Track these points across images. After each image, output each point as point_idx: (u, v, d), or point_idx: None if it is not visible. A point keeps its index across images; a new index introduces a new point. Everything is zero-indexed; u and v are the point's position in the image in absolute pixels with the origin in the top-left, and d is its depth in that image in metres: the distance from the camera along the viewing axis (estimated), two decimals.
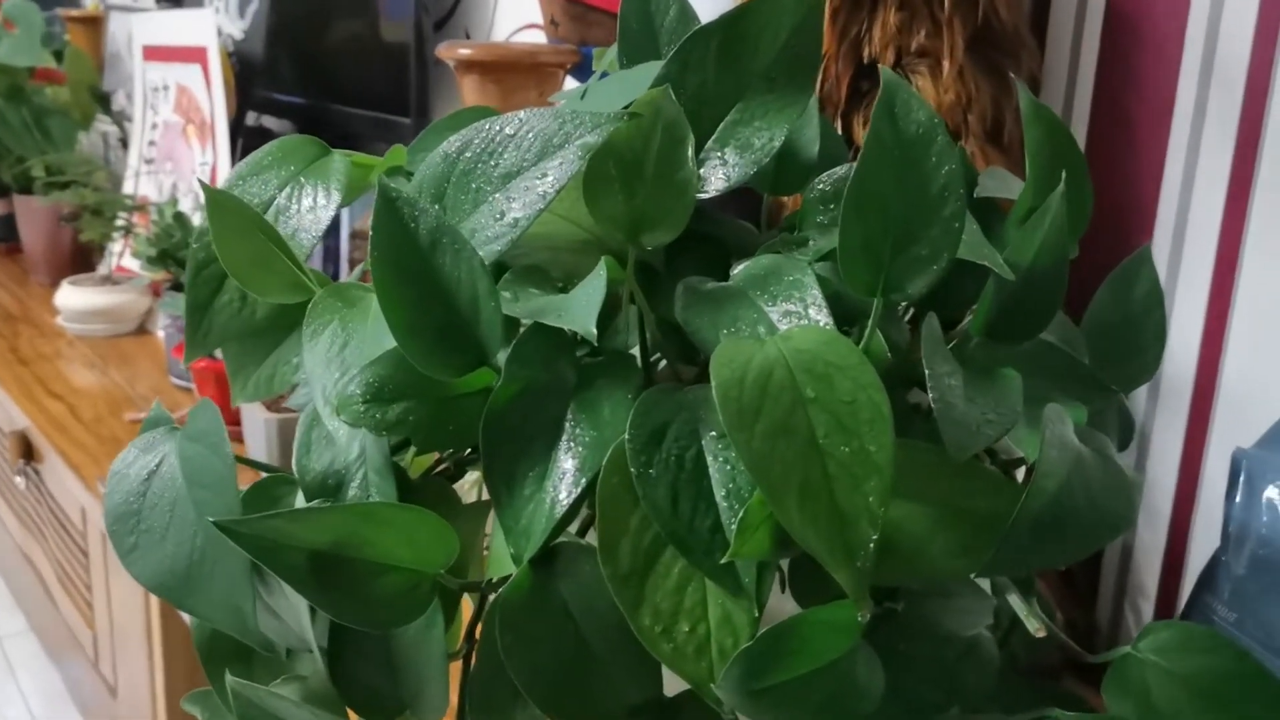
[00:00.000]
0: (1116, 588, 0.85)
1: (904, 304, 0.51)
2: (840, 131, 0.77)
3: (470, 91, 1.05)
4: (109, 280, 1.74)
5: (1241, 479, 0.63)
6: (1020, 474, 0.51)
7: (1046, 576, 0.82)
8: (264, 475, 0.48)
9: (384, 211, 0.41)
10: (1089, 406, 0.50)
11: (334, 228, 1.33)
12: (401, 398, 0.42)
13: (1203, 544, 0.80)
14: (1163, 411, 0.80)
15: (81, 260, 1.93)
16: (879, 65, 0.74)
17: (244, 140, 1.79)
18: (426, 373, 0.41)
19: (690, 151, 0.45)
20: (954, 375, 0.42)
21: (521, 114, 0.45)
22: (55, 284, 1.76)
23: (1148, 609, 0.83)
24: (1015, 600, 0.43)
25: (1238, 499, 0.64)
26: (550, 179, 0.43)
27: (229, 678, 0.41)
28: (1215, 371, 0.77)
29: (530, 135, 0.45)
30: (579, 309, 0.40)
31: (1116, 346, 0.57)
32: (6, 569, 1.91)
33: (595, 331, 0.39)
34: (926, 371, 0.40)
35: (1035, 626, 0.41)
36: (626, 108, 0.47)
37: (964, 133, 0.75)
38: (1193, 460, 0.79)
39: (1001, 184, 0.53)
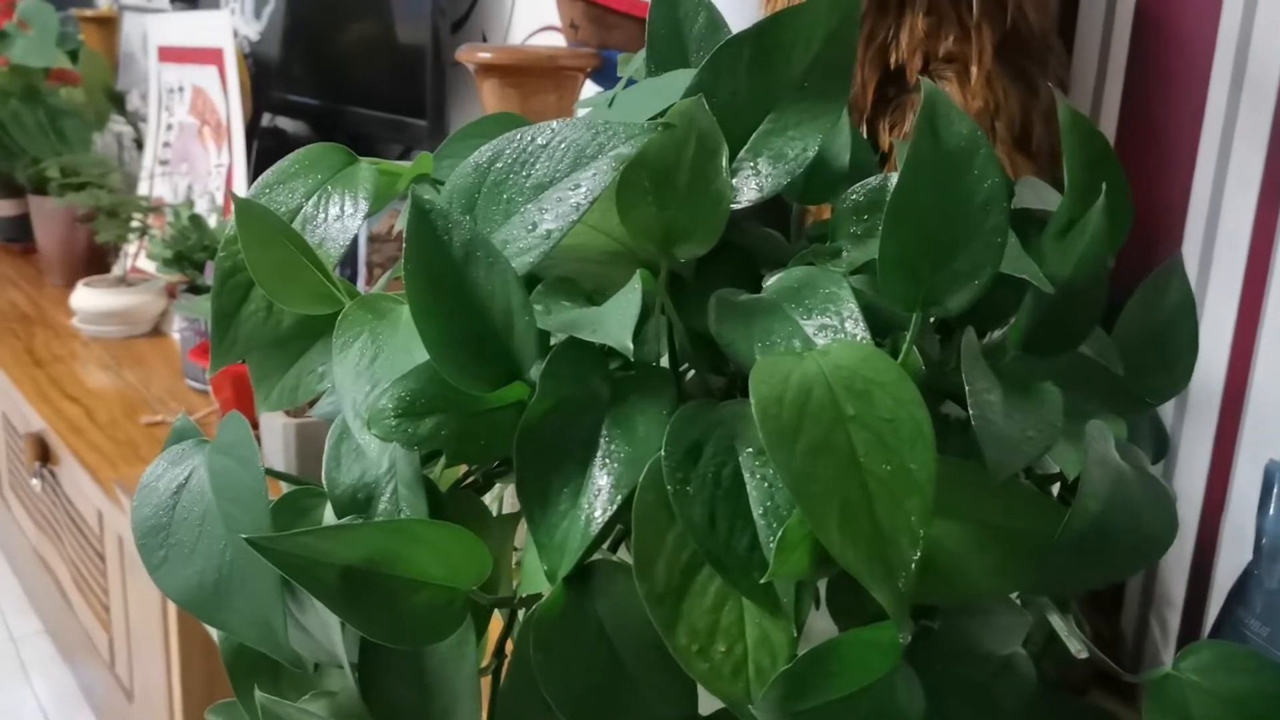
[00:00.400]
0: (1142, 599, 0.84)
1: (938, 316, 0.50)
2: (865, 137, 0.76)
3: (490, 95, 1.04)
4: (124, 282, 1.74)
5: (1275, 492, 0.63)
6: (1055, 489, 0.51)
7: None
8: (289, 487, 0.47)
9: (417, 224, 0.40)
10: (1125, 420, 0.49)
11: None
12: (433, 411, 0.41)
13: (1230, 556, 0.79)
14: (1191, 422, 0.79)
15: (96, 261, 1.93)
16: (913, 73, 0.74)
17: (259, 142, 1.79)
18: (459, 387, 0.41)
19: (724, 163, 0.45)
20: (993, 391, 0.41)
21: (554, 124, 0.45)
22: (70, 285, 1.77)
23: (1174, 621, 0.83)
24: (1055, 619, 0.42)
25: (1271, 512, 0.63)
26: (583, 190, 0.43)
27: (258, 693, 0.41)
28: (1245, 382, 0.76)
29: (562, 146, 0.44)
30: (614, 323, 0.39)
31: (1148, 357, 0.57)
32: (22, 571, 1.91)
33: (631, 347, 0.38)
34: (967, 388, 0.39)
35: (1077, 648, 0.40)
36: (657, 116, 0.46)
37: (991, 139, 0.75)
38: (1221, 471, 0.78)
39: (1036, 195, 0.52)
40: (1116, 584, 0.86)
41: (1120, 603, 0.86)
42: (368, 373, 0.43)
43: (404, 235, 0.40)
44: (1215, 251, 0.77)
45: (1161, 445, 0.56)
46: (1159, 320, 0.57)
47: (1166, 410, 0.80)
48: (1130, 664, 0.85)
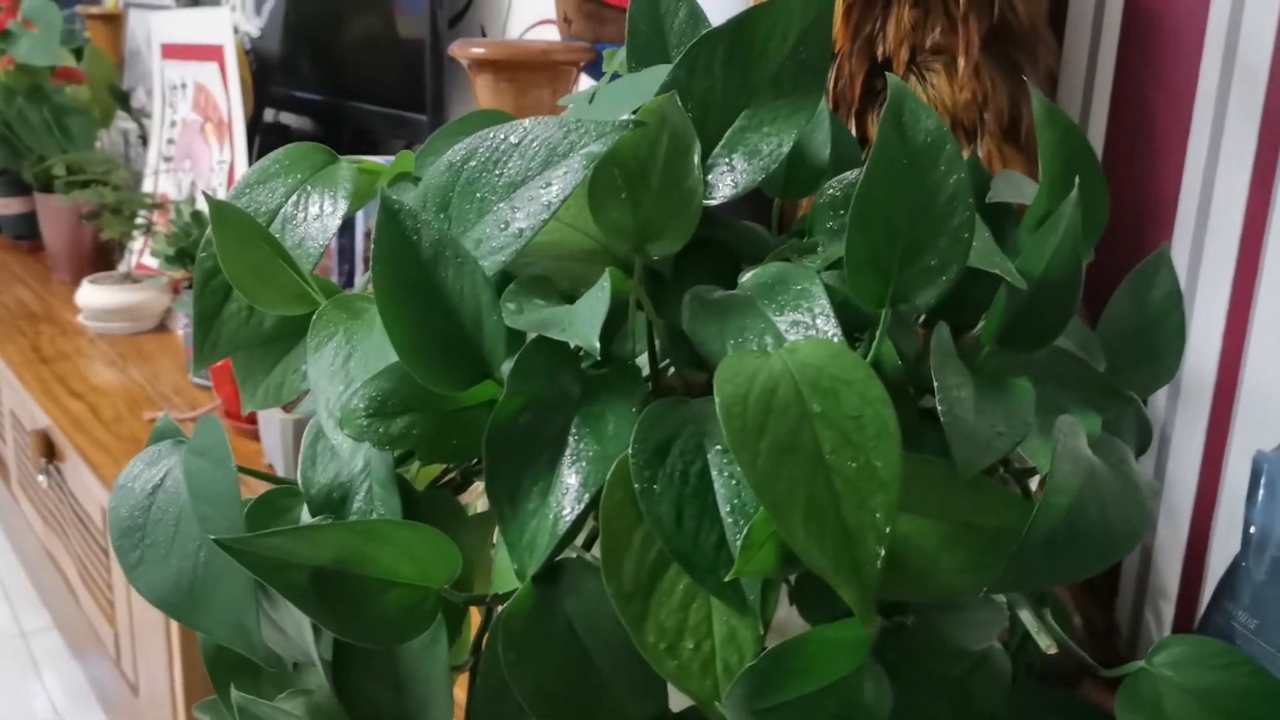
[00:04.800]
0: (1137, 589, 0.84)
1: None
2: (854, 131, 0.76)
3: (483, 90, 1.04)
4: (129, 278, 1.74)
5: (1263, 483, 0.62)
6: (1034, 483, 0.51)
7: None
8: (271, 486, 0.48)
9: (385, 224, 0.40)
10: (1105, 413, 0.49)
11: (349, 227, 1.33)
12: (405, 411, 0.42)
13: (1224, 545, 0.79)
14: (1183, 413, 0.79)
15: (102, 258, 1.94)
16: (901, 65, 0.74)
17: (261, 138, 1.80)
18: (430, 386, 0.41)
19: (697, 160, 0.45)
20: (964, 387, 0.41)
21: (526, 123, 0.45)
22: (76, 282, 1.77)
23: (1168, 610, 0.83)
24: (1026, 615, 0.42)
25: (1259, 503, 0.63)
26: (555, 189, 0.43)
27: (234, 693, 0.41)
28: (1236, 373, 0.76)
29: (535, 144, 0.44)
30: (582, 322, 0.40)
31: (1135, 349, 0.56)
32: (31, 567, 1.92)
33: (598, 346, 0.38)
34: (936, 384, 0.39)
35: (1046, 644, 0.40)
36: (634, 112, 0.46)
37: (980, 131, 0.74)
38: (1213, 462, 0.78)
39: (1014, 188, 0.52)
40: (1111, 574, 0.86)
41: (1115, 593, 0.86)
42: (341, 372, 0.43)
43: (371, 235, 0.40)
44: (1206, 241, 0.76)
45: (1145, 436, 0.56)
46: (1147, 311, 0.57)
47: (1159, 400, 0.80)
48: (1126, 654, 0.85)
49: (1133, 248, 0.80)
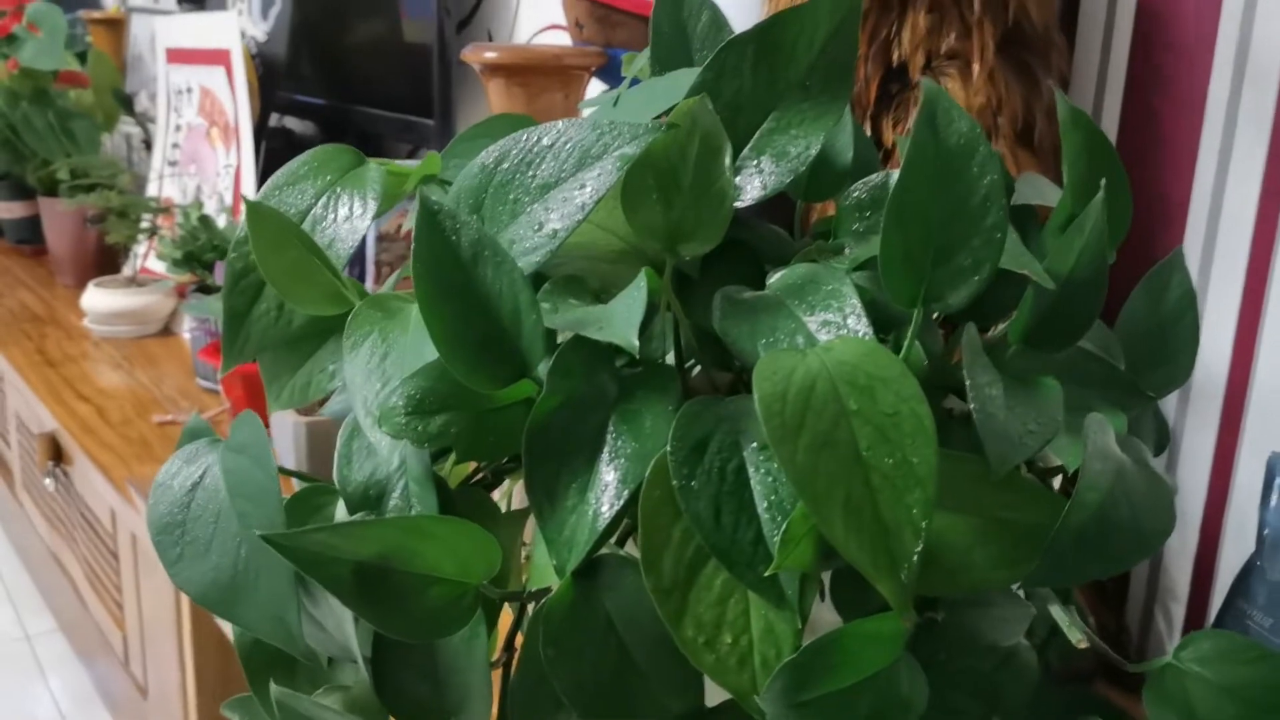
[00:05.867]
0: (1147, 591, 0.85)
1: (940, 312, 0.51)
2: (869, 134, 0.77)
3: (496, 94, 1.05)
4: (134, 282, 1.75)
5: (1277, 484, 0.63)
6: (1057, 481, 0.51)
7: None
8: (302, 485, 0.48)
9: (426, 224, 0.41)
10: (1128, 413, 0.49)
11: None
12: (443, 409, 0.42)
13: (1234, 548, 0.79)
14: (1194, 414, 0.80)
15: (107, 262, 1.94)
16: (916, 69, 0.74)
17: (267, 142, 1.80)
18: (469, 384, 0.41)
19: (727, 161, 0.45)
20: (994, 385, 0.42)
21: (559, 125, 0.46)
22: (81, 286, 1.78)
23: (1178, 612, 0.83)
24: (1057, 610, 0.43)
25: (1273, 503, 0.63)
26: (588, 190, 0.43)
27: (273, 687, 0.42)
28: (1247, 374, 0.76)
29: (568, 146, 0.45)
30: (620, 321, 0.40)
31: (1150, 351, 0.57)
32: (37, 570, 1.92)
33: (637, 344, 0.39)
34: (968, 382, 0.40)
35: (1078, 638, 0.41)
36: (661, 116, 0.47)
37: (994, 135, 0.75)
38: (1224, 463, 0.79)
39: (1036, 190, 0.52)
40: (1121, 577, 0.86)
41: (1125, 595, 0.86)
42: (378, 371, 0.44)
43: (413, 235, 0.41)
44: (1218, 244, 0.77)
45: (1163, 438, 0.56)
46: (1161, 314, 0.58)
47: (1169, 403, 0.81)
48: (1135, 656, 0.86)
49: (1144, 251, 0.81)
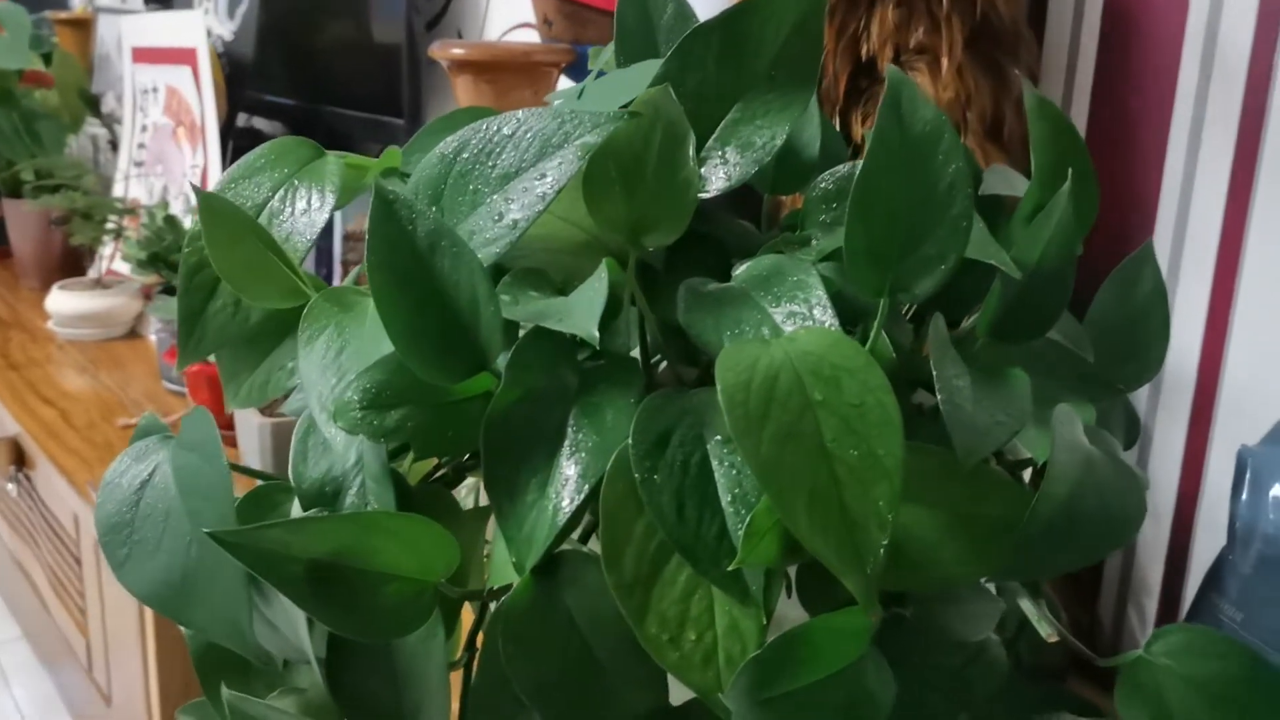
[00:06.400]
0: (1120, 585, 0.85)
1: (907, 303, 0.50)
2: (838, 129, 0.76)
3: (464, 92, 1.04)
4: (100, 284, 1.72)
5: (1248, 477, 0.63)
6: (1027, 474, 0.51)
7: None
8: (259, 483, 0.47)
9: (381, 214, 0.40)
10: (1097, 404, 0.49)
11: (327, 229, 1.32)
12: (400, 404, 0.41)
13: (1206, 541, 0.79)
14: (1165, 408, 0.80)
15: (72, 264, 1.92)
16: (884, 64, 0.74)
17: (235, 142, 1.78)
18: (425, 378, 0.40)
19: (691, 151, 0.44)
20: (962, 377, 0.41)
21: (519, 114, 0.45)
22: (46, 288, 1.75)
23: (1151, 606, 0.83)
24: (1026, 605, 0.42)
25: (1244, 497, 0.63)
26: (549, 180, 0.43)
27: (225, 690, 0.40)
28: (1218, 368, 0.76)
29: (528, 135, 0.44)
30: (580, 312, 0.39)
31: (1120, 344, 0.57)
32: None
33: (597, 335, 0.38)
34: (935, 373, 0.39)
35: (1047, 632, 0.40)
36: (625, 106, 0.46)
37: (963, 130, 0.75)
38: (1195, 457, 0.79)
39: (1005, 181, 0.52)
40: (1094, 570, 0.86)
41: (1098, 589, 0.86)
42: (334, 365, 0.43)
43: (367, 226, 0.40)
44: (1187, 238, 0.77)
45: (1133, 430, 0.56)
46: (1131, 308, 0.57)
47: (1141, 396, 0.81)
48: (1108, 650, 0.86)
49: (1114, 245, 0.81)
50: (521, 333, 0.43)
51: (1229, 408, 0.76)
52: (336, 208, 0.53)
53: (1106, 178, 0.81)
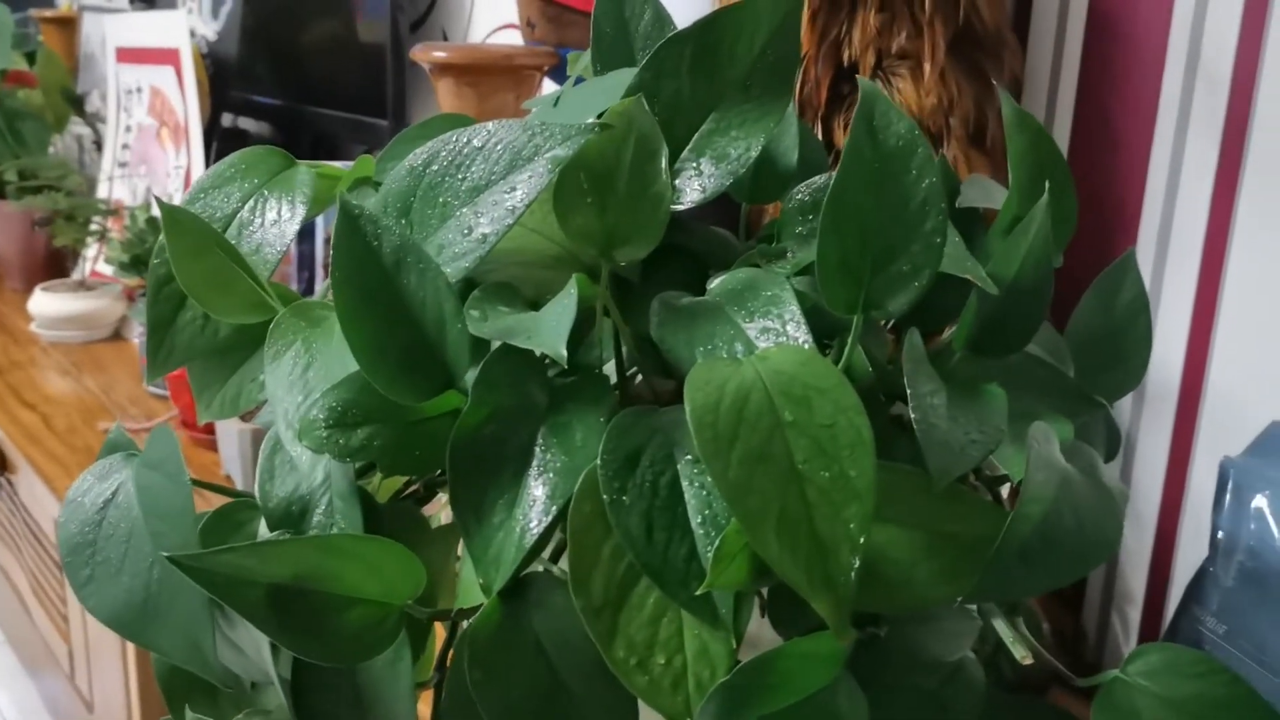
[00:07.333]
0: (1104, 596, 0.84)
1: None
2: (820, 135, 0.76)
3: (446, 95, 1.03)
4: (83, 286, 1.71)
5: (1229, 488, 0.62)
6: (1005, 490, 0.50)
7: None
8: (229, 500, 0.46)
9: (345, 229, 0.39)
10: (1076, 419, 0.48)
11: (309, 233, 1.31)
12: (366, 422, 0.40)
13: (1189, 551, 0.79)
14: (1148, 419, 0.79)
15: (55, 266, 1.90)
16: (867, 69, 0.73)
17: (219, 143, 1.77)
18: (392, 397, 0.40)
19: (664, 164, 0.44)
20: (937, 394, 0.40)
21: (490, 126, 0.44)
22: (28, 290, 1.74)
23: (1135, 616, 0.83)
24: (1001, 625, 0.42)
25: (1225, 509, 0.63)
26: (519, 193, 0.42)
27: (189, 714, 0.40)
28: (1201, 378, 0.76)
29: (499, 148, 0.43)
30: (548, 330, 0.39)
31: (1102, 354, 0.56)
32: None
33: (565, 354, 0.37)
34: (909, 391, 0.39)
35: (1022, 654, 0.40)
36: (599, 117, 0.45)
37: (946, 136, 0.74)
38: (1179, 467, 0.78)
39: (983, 193, 0.51)
40: (1078, 581, 0.86)
41: (1082, 600, 0.86)
42: (300, 382, 0.42)
43: (332, 242, 0.39)
44: (1170, 246, 0.77)
45: (1114, 443, 0.56)
46: (1113, 317, 0.57)
47: (1124, 406, 0.80)
48: (1093, 661, 0.85)
49: (1097, 253, 0.80)
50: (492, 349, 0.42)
51: (1212, 418, 0.76)
52: (309, 218, 0.52)
53: (1090, 184, 0.81)
